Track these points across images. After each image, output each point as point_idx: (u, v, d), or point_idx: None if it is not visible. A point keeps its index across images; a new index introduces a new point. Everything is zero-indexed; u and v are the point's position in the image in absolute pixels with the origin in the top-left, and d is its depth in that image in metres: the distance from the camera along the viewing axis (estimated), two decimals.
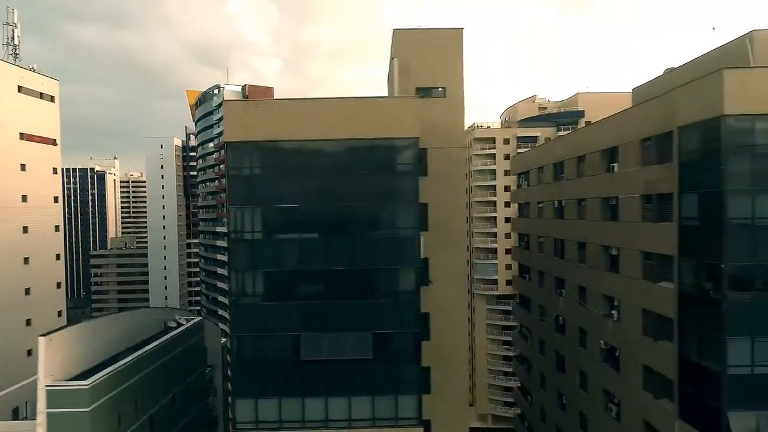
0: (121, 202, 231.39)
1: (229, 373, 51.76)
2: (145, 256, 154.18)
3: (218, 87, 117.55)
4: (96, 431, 33.38)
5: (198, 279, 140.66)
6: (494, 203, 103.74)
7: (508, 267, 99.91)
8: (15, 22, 59.38)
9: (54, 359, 33.35)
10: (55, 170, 61.72)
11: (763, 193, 27.42)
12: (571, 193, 47.50)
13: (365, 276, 32.32)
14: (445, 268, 36.71)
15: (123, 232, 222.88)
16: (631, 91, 50.17)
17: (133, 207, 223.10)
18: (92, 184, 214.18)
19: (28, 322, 54.72)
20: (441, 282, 36.69)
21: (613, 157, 39.78)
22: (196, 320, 51.38)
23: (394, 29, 36.89)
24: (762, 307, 27.73)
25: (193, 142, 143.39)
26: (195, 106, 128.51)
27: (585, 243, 44.47)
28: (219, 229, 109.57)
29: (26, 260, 56.50)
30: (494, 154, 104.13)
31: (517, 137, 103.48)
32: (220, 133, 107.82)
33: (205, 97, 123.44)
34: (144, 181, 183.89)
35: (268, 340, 32.48)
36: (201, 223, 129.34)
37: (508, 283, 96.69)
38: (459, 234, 37.02)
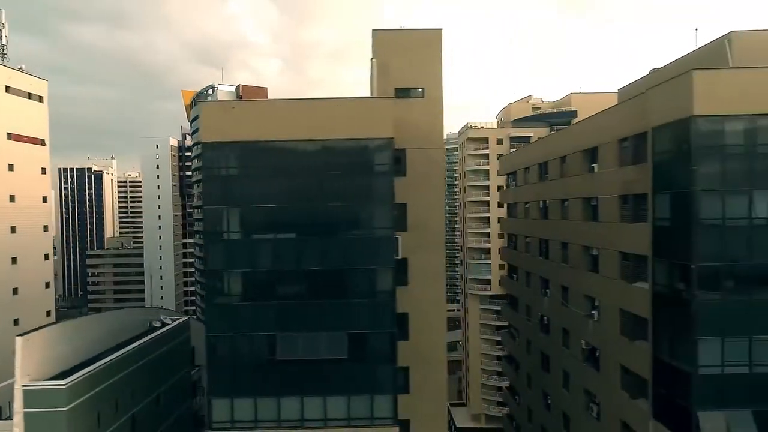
0: (119, 202, 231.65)
1: None
2: (141, 256, 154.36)
3: (213, 87, 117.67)
4: (74, 431, 33.47)
5: (194, 279, 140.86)
6: (487, 203, 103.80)
7: (502, 267, 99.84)
8: (2, 21, 59.59)
9: (32, 359, 33.46)
10: (43, 170, 61.85)
11: (732, 194, 27.49)
12: (555, 194, 47.61)
13: (340, 276, 32.44)
14: (423, 269, 36.81)
15: (120, 232, 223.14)
16: (617, 91, 50.37)
17: (131, 207, 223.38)
18: (89, 184, 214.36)
19: (16, 322, 54.84)
20: (419, 282, 36.79)
21: (593, 158, 39.87)
22: (181, 320, 51.51)
23: (374, 30, 36.99)
24: (732, 308, 27.83)
25: (188, 142, 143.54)
26: (190, 106, 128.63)
27: (567, 243, 44.58)
28: None
29: (14, 260, 56.65)
30: (487, 154, 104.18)
31: (511, 137, 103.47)
32: None
33: (200, 97, 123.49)
34: (141, 181, 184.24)
35: (243, 339, 32.62)
36: (196, 223, 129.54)
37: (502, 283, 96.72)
38: (438, 234, 37.13)
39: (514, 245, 63.09)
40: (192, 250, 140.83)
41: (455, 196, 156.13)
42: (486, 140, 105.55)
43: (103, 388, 36.65)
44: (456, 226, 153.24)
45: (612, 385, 36.62)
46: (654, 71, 44.72)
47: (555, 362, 48.06)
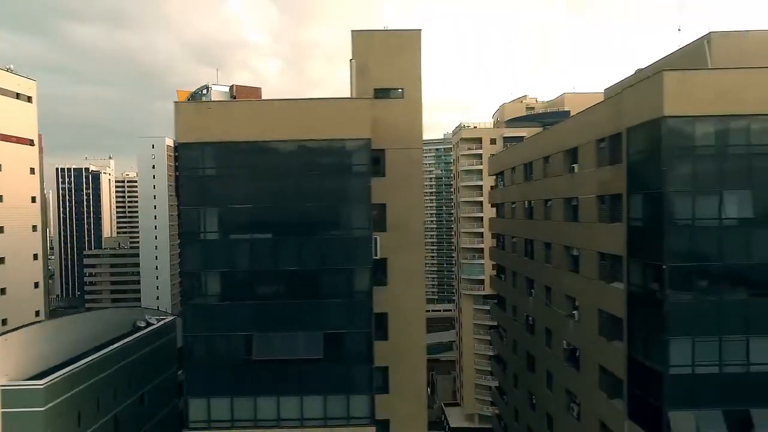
0: (117, 202, 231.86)
1: None
2: (138, 255, 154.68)
3: (207, 87, 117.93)
4: (51, 430, 33.60)
5: None
6: (481, 203, 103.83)
7: (495, 267, 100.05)
8: None
9: (10, 359, 33.63)
10: (32, 170, 61.96)
11: (703, 195, 27.56)
12: (539, 194, 47.70)
13: (317, 276, 32.54)
14: (403, 269, 36.87)
15: (118, 232, 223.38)
16: (603, 91, 50.47)
17: (129, 207, 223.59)
18: (87, 184, 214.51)
19: (4, 322, 54.89)
20: (399, 282, 36.85)
21: (574, 158, 39.94)
22: (167, 320, 51.62)
23: (353, 31, 37.05)
24: (702, 308, 27.91)
25: None
26: None
27: (550, 243, 44.67)
28: None
29: (2, 260, 56.77)
30: (481, 154, 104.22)
31: (504, 137, 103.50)
32: None
33: (194, 97, 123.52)
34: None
35: (220, 339, 32.73)
36: None
37: None
38: (417, 234, 37.18)
39: (501, 245, 63.20)
40: None
41: (450, 196, 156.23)
42: (479, 140, 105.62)
43: (83, 388, 36.78)
44: (452, 226, 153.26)
45: (591, 385, 36.71)
46: (638, 71, 44.80)
47: (540, 362, 48.15)
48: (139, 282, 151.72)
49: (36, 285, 61.57)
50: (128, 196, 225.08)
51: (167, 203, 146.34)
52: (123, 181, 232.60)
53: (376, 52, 36.93)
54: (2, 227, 56.85)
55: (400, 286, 36.88)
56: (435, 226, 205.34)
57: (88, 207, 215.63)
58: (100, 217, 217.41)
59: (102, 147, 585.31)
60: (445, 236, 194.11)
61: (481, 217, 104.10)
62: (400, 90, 37.11)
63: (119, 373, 41.48)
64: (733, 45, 35.26)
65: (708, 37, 36.15)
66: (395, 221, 36.74)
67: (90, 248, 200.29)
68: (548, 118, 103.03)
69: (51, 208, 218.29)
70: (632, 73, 46.12)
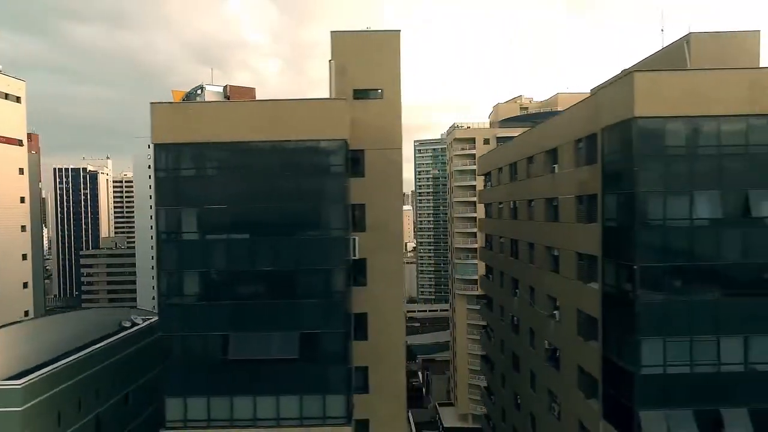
0: (114, 202, 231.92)
1: None
2: (134, 255, 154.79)
3: (201, 87, 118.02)
4: (30, 430, 33.72)
5: None
6: (474, 203, 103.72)
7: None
8: None
9: None
10: (21, 171, 62.17)
11: (674, 195, 27.62)
12: (523, 194, 47.79)
13: (292, 276, 32.62)
14: (382, 269, 36.91)
15: (116, 232, 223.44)
16: (589, 91, 50.54)
17: (126, 207, 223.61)
18: (84, 184, 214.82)
19: None
20: (378, 282, 36.91)
21: (554, 158, 40.03)
22: (153, 320, 51.73)
23: (332, 32, 37.11)
24: (674, 308, 27.98)
25: None
26: None
27: (533, 244, 44.74)
28: None
29: None
30: (474, 154, 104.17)
31: (497, 137, 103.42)
32: None
33: (189, 97, 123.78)
34: None
35: (197, 339, 32.83)
36: None
37: None
38: (396, 235, 37.21)
39: (490, 246, 63.32)
40: None
41: (445, 197, 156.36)
42: (473, 140, 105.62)
43: (63, 388, 36.90)
44: (447, 226, 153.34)
45: (570, 385, 36.80)
46: (624, 72, 44.88)
47: (524, 362, 48.25)
48: (135, 282, 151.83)
49: (25, 285, 61.78)
50: (126, 196, 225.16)
51: None
52: (121, 181, 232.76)
53: (355, 53, 36.99)
54: None
55: (380, 287, 36.93)
56: (432, 226, 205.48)
57: (86, 207, 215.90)
58: (98, 217, 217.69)
59: (102, 147, 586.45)
60: (442, 236, 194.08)
61: (474, 217, 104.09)
62: (379, 91, 37.17)
63: (102, 372, 41.60)
64: (712, 46, 35.40)
65: (688, 38, 36.26)
66: (374, 222, 36.81)
67: (88, 248, 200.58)
68: (541, 118, 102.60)
69: (49, 208, 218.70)
70: (618, 73, 46.26)
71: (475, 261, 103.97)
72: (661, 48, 39.76)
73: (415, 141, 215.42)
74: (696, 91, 27.51)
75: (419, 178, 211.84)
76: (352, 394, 35.71)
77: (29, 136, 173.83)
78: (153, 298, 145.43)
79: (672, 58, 36.70)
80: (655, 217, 27.85)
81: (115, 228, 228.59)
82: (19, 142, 61.43)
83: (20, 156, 61.59)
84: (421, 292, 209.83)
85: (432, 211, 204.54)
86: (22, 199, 62.13)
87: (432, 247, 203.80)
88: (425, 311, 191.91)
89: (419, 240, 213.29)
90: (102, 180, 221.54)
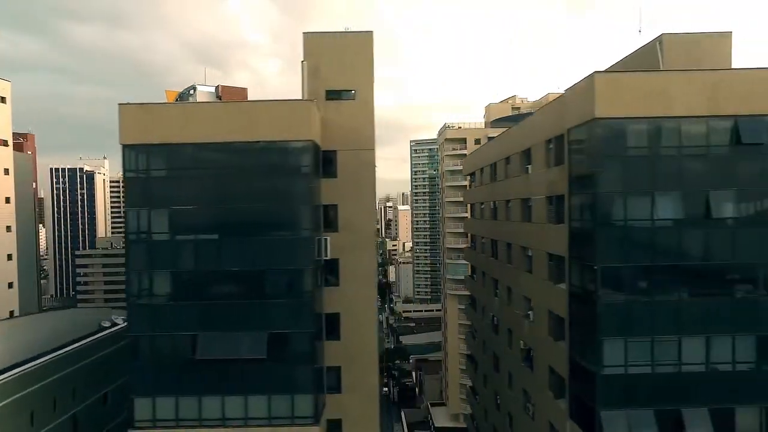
0: (111, 202, 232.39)
1: None
2: None
3: (193, 88, 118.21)
4: (1, 429, 33.88)
5: None
6: (465, 204, 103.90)
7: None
8: None
9: None
10: (6, 171, 62.37)
11: (634, 196, 27.70)
12: (502, 194, 47.92)
13: (260, 277, 32.71)
14: (354, 269, 37.03)
15: (113, 232, 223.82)
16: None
17: (123, 207, 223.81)
18: (81, 184, 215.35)
19: None
20: (350, 282, 37.03)
21: (528, 159, 40.13)
22: None
23: (304, 33, 37.24)
24: (635, 309, 28.06)
25: None
26: None
27: (511, 244, 44.85)
28: None
29: None
30: (465, 154, 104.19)
31: (488, 137, 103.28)
32: None
33: (182, 98, 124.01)
34: None
35: (165, 339, 32.92)
36: None
37: None
38: (368, 235, 37.31)
39: (474, 246, 63.44)
40: None
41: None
42: (464, 140, 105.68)
43: (37, 388, 37.05)
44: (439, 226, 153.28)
45: (542, 385, 36.90)
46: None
47: (503, 362, 48.39)
48: None
49: (10, 285, 62.00)
50: (123, 196, 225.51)
51: None
52: (118, 181, 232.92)
53: (328, 54, 37.10)
54: None
55: (352, 287, 37.06)
56: (429, 226, 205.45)
57: (83, 207, 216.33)
58: (95, 217, 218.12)
59: (101, 147, 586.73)
60: (438, 236, 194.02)
61: (465, 218, 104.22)
62: (352, 92, 37.29)
63: (79, 372, 41.77)
64: (684, 47, 35.43)
65: (660, 39, 36.31)
66: (347, 222, 36.94)
67: (85, 248, 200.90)
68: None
69: (46, 209, 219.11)
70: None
71: (466, 261, 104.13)
72: (636, 49, 39.84)
73: (411, 141, 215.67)
74: (657, 92, 27.58)
75: (416, 179, 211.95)
76: (324, 394, 35.88)
77: (24, 136, 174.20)
78: None
79: (646, 60, 36.74)
80: (617, 218, 27.95)
81: (112, 228, 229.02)
82: (4, 143, 61.60)
83: (5, 156, 61.76)
84: (417, 292, 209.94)
85: (428, 212, 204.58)
86: (8, 200, 62.28)
87: (428, 247, 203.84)
88: (421, 311, 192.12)
89: (416, 240, 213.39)
90: (99, 180, 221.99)
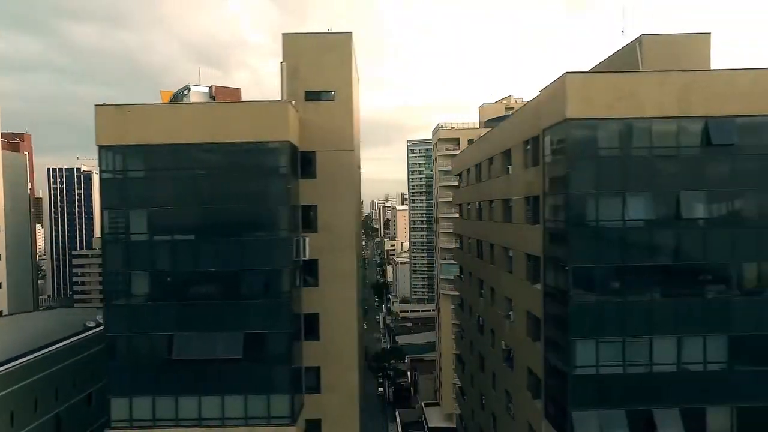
0: None
1: None
2: None
3: (187, 88, 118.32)
4: None
5: None
6: (455, 204, 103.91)
7: None
8: None
9: None
10: None
11: (605, 196, 27.74)
12: (486, 195, 47.98)
13: (237, 277, 32.86)
14: (334, 270, 37.18)
15: None
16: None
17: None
18: (78, 184, 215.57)
19: None
20: (330, 283, 37.19)
21: (509, 159, 40.20)
22: None
23: (283, 33, 37.35)
24: (606, 309, 28.10)
25: None
26: None
27: (494, 245, 44.93)
28: None
29: None
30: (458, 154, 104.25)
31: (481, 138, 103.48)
32: None
33: (176, 98, 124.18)
34: None
35: (142, 339, 33.05)
36: None
37: None
38: (348, 235, 37.41)
39: (461, 246, 63.53)
40: None
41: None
42: (457, 141, 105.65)
43: (17, 388, 37.13)
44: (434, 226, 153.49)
45: (521, 385, 36.96)
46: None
47: (487, 362, 48.47)
48: None
49: None
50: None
51: None
52: None
53: (307, 54, 37.20)
54: None
55: (332, 287, 37.20)
56: (425, 226, 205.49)
57: (80, 207, 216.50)
58: (92, 217, 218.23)
59: None
60: (434, 236, 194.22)
61: (456, 218, 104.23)
62: (331, 92, 37.41)
63: (61, 372, 41.88)
64: (663, 48, 35.51)
65: (640, 40, 36.38)
66: (326, 222, 37.06)
67: (82, 248, 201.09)
68: None
69: (44, 209, 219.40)
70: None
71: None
72: (617, 50, 39.89)
73: (408, 141, 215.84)
74: (628, 93, 27.58)
75: (413, 179, 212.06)
76: (302, 394, 36.00)
77: (21, 136, 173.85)
78: None
79: (626, 60, 36.82)
80: (588, 219, 27.98)
81: None
82: None
83: None
84: (414, 292, 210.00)
85: (425, 212, 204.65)
86: None
87: (425, 248, 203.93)
88: (418, 311, 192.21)
89: (413, 240, 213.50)
90: (96, 180, 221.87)
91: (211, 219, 32.92)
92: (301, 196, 36.52)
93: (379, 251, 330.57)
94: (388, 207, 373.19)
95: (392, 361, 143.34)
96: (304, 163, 36.63)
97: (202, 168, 33.18)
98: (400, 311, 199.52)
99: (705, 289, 28.18)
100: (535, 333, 34.03)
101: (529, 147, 35.21)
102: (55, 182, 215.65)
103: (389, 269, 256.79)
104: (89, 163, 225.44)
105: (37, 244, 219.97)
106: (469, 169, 56.72)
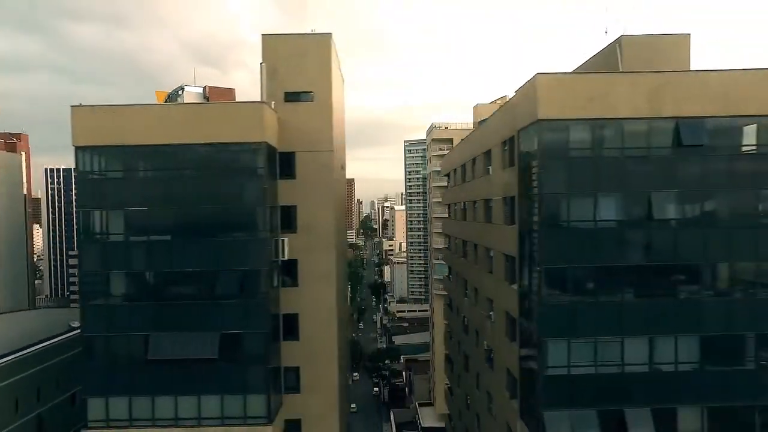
0: None
1: None
2: None
3: (182, 88, 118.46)
4: None
5: None
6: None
7: None
8: None
9: None
10: None
11: (577, 197, 27.77)
12: (469, 195, 48.05)
13: (213, 277, 32.93)
14: (313, 270, 37.24)
15: None
16: None
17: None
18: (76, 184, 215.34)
19: None
20: (310, 283, 37.25)
21: (489, 160, 40.24)
22: None
23: (263, 34, 37.40)
24: (578, 310, 28.12)
25: None
26: None
27: (476, 245, 44.98)
28: None
29: None
30: None
31: None
32: None
33: (170, 98, 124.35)
34: None
35: (118, 339, 33.16)
36: None
37: None
38: (327, 236, 37.47)
39: (449, 246, 63.60)
40: None
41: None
42: (450, 141, 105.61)
43: None
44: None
45: (500, 385, 37.02)
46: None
47: (471, 362, 48.51)
48: None
49: None
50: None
51: None
52: None
53: (287, 55, 37.26)
54: None
55: (312, 288, 37.27)
56: (422, 226, 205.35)
57: None
58: None
59: None
60: (423, 237, 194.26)
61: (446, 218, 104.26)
62: (310, 93, 37.46)
63: (44, 373, 41.93)
64: (643, 48, 35.54)
65: (620, 41, 36.42)
66: (306, 223, 37.12)
67: None
68: None
69: (42, 209, 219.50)
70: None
71: None
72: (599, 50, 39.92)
73: (405, 141, 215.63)
74: (600, 93, 27.60)
75: (410, 179, 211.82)
76: (280, 394, 36.09)
77: (18, 136, 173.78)
78: None
79: (607, 61, 36.87)
80: (560, 219, 28.02)
81: None
82: None
83: None
84: (411, 292, 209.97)
85: (422, 212, 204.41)
86: None
87: (422, 248, 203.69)
88: (414, 311, 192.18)
89: (410, 240, 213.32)
90: None
91: (187, 219, 33.00)
92: (281, 196, 36.58)
93: (378, 251, 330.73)
94: (387, 207, 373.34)
95: (387, 362, 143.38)
96: (283, 163, 36.68)
97: (178, 169, 33.26)
98: (397, 311, 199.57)
99: (676, 290, 28.23)
100: (512, 333, 34.10)
101: (506, 148, 35.25)
102: (52, 182, 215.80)
103: (387, 269, 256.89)
104: None
105: (35, 244, 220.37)
106: (455, 169, 56.76)
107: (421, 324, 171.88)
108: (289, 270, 37.12)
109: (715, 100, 27.19)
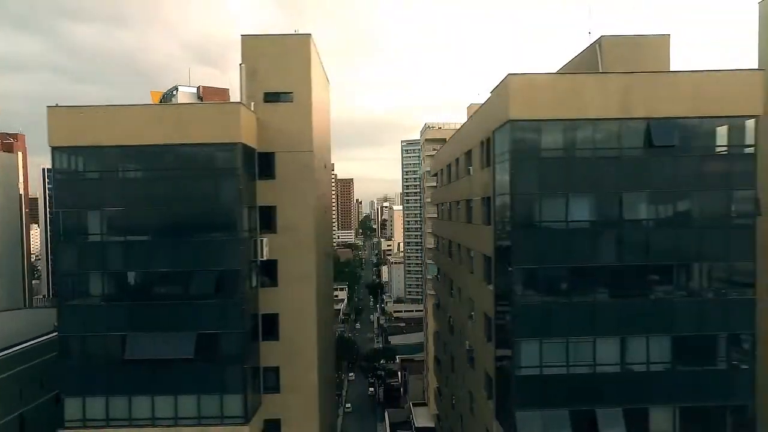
0: None
1: None
2: None
3: (176, 89, 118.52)
4: None
5: None
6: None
7: None
8: None
9: None
10: None
11: (548, 197, 27.84)
12: (453, 195, 48.11)
13: (190, 277, 33.01)
14: (293, 270, 37.29)
15: None
16: None
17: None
18: None
19: None
20: (289, 283, 37.31)
21: (470, 161, 40.30)
22: None
23: (242, 35, 37.44)
24: (550, 310, 28.20)
25: None
26: None
27: (460, 245, 45.04)
28: None
29: None
30: None
31: None
32: None
33: (165, 99, 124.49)
34: None
35: (95, 339, 33.23)
36: None
37: None
38: (307, 236, 37.54)
39: (437, 246, 63.69)
40: None
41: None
42: (444, 141, 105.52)
43: None
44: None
45: (479, 385, 37.07)
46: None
47: (456, 363, 48.55)
48: None
49: None
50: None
51: None
52: None
53: (266, 56, 37.32)
54: None
55: (292, 288, 37.33)
56: (419, 226, 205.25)
57: None
58: None
59: None
60: (418, 237, 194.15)
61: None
62: (290, 94, 37.52)
63: (27, 372, 42.03)
64: (623, 49, 35.51)
65: (600, 42, 36.42)
66: (286, 223, 37.18)
67: None
68: None
69: (40, 209, 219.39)
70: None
71: None
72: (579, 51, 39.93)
73: (402, 141, 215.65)
74: (571, 94, 27.68)
75: (406, 178, 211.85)
76: (259, 394, 36.16)
77: (15, 136, 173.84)
78: None
79: (588, 62, 36.89)
80: (532, 220, 28.10)
81: None
82: None
83: None
84: (409, 292, 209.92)
85: (419, 212, 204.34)
86: None
87: (419, 247, 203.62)
88: (411, 311, 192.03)
89: (407, 240, 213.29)
90: None
91: (165, 220, 33.08)
92: (260, 196, 36.64)
93: (377, 251, 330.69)
94: (386, 207, 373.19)
95: (383, 362, 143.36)
96: (262, 164, 36.74)
97: (155, 169, 33.35)
98: (394, 311, 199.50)
99: (648, 290, 28.29)
100: (489, 333, 34.15)
101: (484, 148, 35.31)
102: (49, 182, 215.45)
103: (385, 269, 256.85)
104: None
105: (33, 244, 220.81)
106: (442, 169, 56.85)
107: (418, 324, 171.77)
108: (269, 270, 37.18)
109: (685, 100, 27.25)
